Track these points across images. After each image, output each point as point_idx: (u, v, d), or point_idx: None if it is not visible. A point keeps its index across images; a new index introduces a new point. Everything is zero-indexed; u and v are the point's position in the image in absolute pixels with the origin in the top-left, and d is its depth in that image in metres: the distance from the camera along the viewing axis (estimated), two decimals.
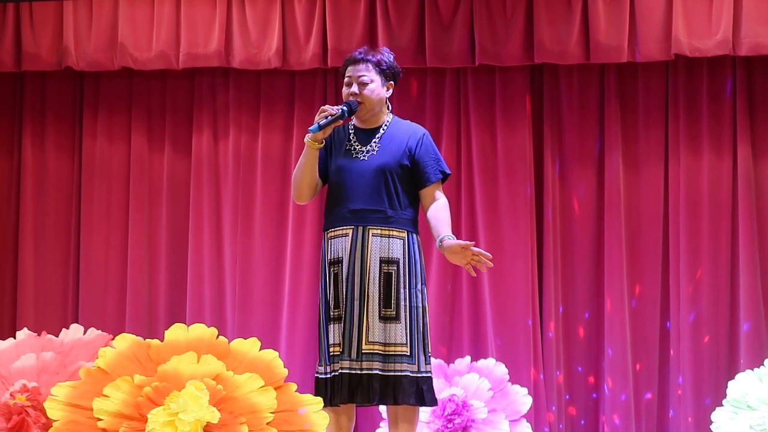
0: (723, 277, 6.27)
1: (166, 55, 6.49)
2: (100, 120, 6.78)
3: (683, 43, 6.10)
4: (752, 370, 5.51)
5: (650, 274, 6.36)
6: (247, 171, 6.64)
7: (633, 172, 6.41)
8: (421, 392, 4.34)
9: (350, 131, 4.50)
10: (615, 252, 6.32)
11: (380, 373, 4.30)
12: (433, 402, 4.41)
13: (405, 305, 4.35)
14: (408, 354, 4.32)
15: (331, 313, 4.39)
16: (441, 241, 4.39)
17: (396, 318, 4.34)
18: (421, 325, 4.37)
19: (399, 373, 4.31)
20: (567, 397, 6.37)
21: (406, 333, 4.33)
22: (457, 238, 6.26)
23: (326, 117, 4.35)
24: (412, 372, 4.33)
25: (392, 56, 4.53)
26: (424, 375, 4.36)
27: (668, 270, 6.34)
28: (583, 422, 6.37)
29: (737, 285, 6.24)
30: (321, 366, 4.39)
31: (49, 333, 4.57)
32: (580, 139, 6.47)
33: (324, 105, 4.43)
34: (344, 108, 4.39)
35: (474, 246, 4.35)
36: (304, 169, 4.45)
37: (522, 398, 5.85)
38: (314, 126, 4.35)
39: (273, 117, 6.63)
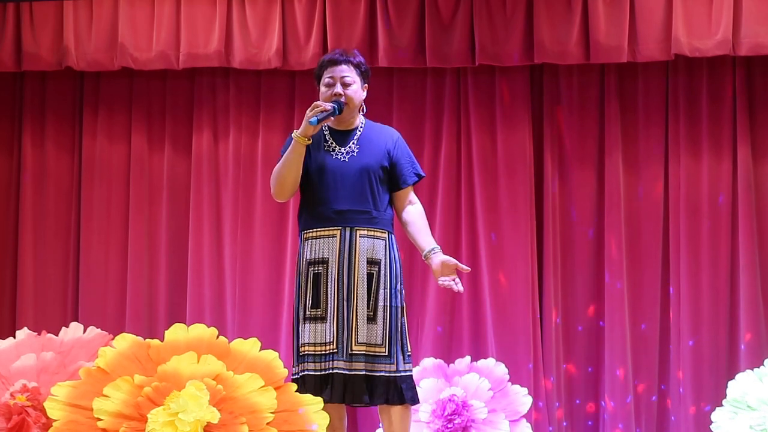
0: (723, 277, 6.27)
1: (166, 55, 6.49)
2: (100, 120, 6.77)
3: (683, 43, 6.10)
4: (752, 370, 5.51)
5: (650, 275, 6.36)
6: (247, 171, 6.64)
7: (633, 172, 6.41)
8: (401, 390, 4.36)
9: (324, 132, 4.52)
10: (615, 252, 6.32)
11: (366, 373, 4.34)
12: (413, 400, 4.43)
13: (383, 305, 4.38)
14: (386, 354, 4.35)
15: (308, 313, 4.40)
16: (432, 252, 4.44)
17: (374, 318, 4.37)
18: (399, 324, 4.41)
19: (377, 374, 4.35)
20: (567, 397, 6.36)
21: (384, 333, 4.36)
22: (458, 240, 6.27)
23: (321, 112, 4.37)
24: (389, 372, 4.35)
25: (363, 58, 4.59)
26: (403, 374, 4.38)
27: (668, 270, 6.34)
28: (583, 422, 6.37)
29: (737, 285, 6.24)
30: (294, 366, 4.41)
31: (49, 333, 4.57)
32: (580, 139, 6.47)
33: (317, 101, 4.44)
34: (335, 106, 4.41)
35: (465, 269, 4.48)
36: (291, 166, 4.44)
37: (522, 398, 5.85)
38: (313, 119, 4.35)
39: (273, 117, 6.63)
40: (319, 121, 4.37)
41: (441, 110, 6.54)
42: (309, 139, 4.41)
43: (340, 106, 4.44)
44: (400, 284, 4.46)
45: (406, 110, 6.52)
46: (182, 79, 6.74)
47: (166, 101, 6.77)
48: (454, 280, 4.43)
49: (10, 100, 6.87)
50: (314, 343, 4.38)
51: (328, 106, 4.39)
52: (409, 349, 4.44)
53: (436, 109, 6.55)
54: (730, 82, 6.34)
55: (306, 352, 4.38)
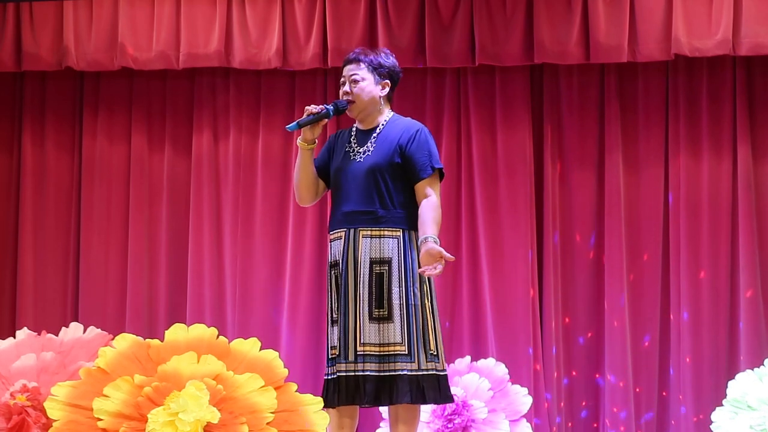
0: (723, 277, 6.28)
1: (166, 55, 6.49)
2: (100, 120, 6.78)
3: (683, 43, 6.11)
4: (752, 370, 5.52)
5: (650, 274, 6.36)
6: (247, 171, 6.65)
7: (633, 172, 6.41)
8: (422, 390, 4.29)
9: (352, 133, 4.50)
10: (615, 252, 6.32)
11: (375, 374, 4.28)
12: (437, 400, 4.35)
13: (399, 304, 4.30)
14: (406, 353, 4.29)
15: (333, 316, 4.40)
16: (425, 240, 4.31)
17: (389, 318, 4.30)
18: (420, 322, 4.32)
19: (395, 373, 4.28)
20: (567, 396, 6.37)
21: (403, 332, 4.29)
22: (458, 240, 6.24)
23: (308, 116, 4.36)
24: (410, 370, 4.28)
25: (391, 57, 4.51)
26: (425, 373, 4.30)
27: (668, 270, 6.34)
28: (584, 420, 6.37)
29: (737, 285, 6.25)
30: (327, 368, 4.41)
31: (49, 333, 4.56)
32: (580, 139, 6.47)
33: (308, 106, 4.43)
34: (329, 107, 4.39)
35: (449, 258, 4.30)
36: (300, 172, 4.48)
37: (522, 398, 5.85)
38: (292, 124, 4.35)
39: (273, 117, 6.63)
40: (300, 125, 4.35)
41: (441, 110, 6.55)
42: (312, 143, 4.41)
43: (338, 107, 4.42)
44: (420, 282, 4.35)
45: (406, 110, 6.48)
46: (182, 79, 6.74)
47: (166, 101, 6.77)
48: (434, 267, 4.25)
49: (10, 100, 6.87)
50: (334, 346, 4.37)
51: (317, 108, 4.38)
52: (432, 348, 4.33)
53: (436, 109, 6.56)
54: (730, 82, 6.35)
55: (333, 355, 4.36)
